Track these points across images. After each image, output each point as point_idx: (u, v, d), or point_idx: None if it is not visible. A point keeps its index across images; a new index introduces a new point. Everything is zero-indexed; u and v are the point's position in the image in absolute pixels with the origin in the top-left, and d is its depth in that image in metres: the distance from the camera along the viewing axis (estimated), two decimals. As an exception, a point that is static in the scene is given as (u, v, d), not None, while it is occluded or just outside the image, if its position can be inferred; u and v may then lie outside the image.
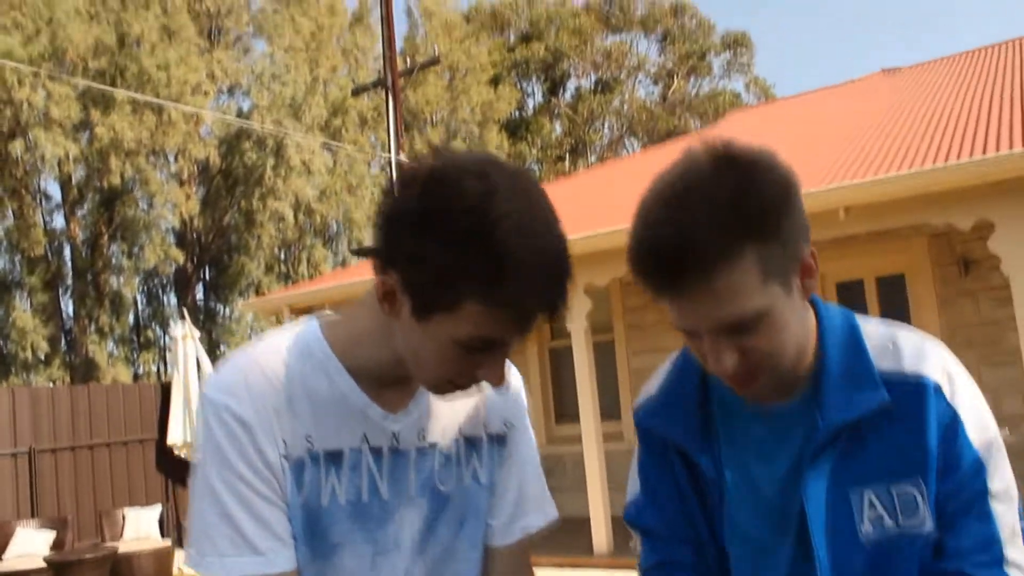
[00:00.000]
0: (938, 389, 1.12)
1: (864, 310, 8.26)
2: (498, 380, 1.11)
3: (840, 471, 1.14)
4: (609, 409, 8.98)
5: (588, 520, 7.53)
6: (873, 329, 1.21)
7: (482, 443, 1.28)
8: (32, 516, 8.86)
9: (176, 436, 9.62)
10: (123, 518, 9.10)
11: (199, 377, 9.63)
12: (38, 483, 9.09)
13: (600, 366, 8.27)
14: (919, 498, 1.12)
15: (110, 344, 24.47)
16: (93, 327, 22.92)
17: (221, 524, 1.11)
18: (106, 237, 23.06)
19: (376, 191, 24.60)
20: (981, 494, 1.11)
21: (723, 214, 1.03)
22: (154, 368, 26.19)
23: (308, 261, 25.77)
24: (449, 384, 1.13)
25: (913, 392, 1.13)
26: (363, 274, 9.55)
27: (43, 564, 7.88)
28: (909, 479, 1.12)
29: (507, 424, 1.32)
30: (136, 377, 24.36)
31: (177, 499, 10.16)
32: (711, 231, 1.03)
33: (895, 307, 8.15)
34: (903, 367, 1.14)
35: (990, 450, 1.12)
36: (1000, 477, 1.12)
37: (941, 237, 7.53)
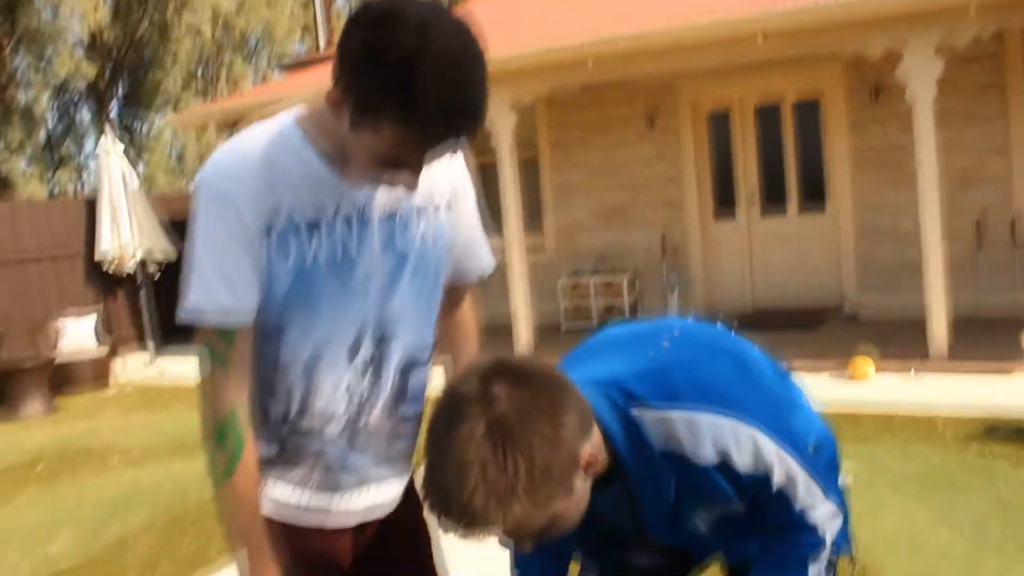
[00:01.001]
0: (717, 466, 1.35)
1: (780, 134, 8.66)
2: (412, 187, 1.38)
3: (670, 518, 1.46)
4: (532, 222, 9.38)
5: (510, 324, 8.06)
6: (651, 422, 1.36)
7: (433, 210, 1.58)
8: (-36, 329, 8.96)
9: (105, 250, 9.67)
10: (58, 328, 9.28)
11: (125, 192, 9.60)
12: (-33, 298, 9.13)
13: (524, 181, 8.59)
14: (731, 506, 1.43)
15: (22, 162, 23.70)
16: (2, 143, 22.10)
17: (199, 284, 1.41)
18: (9, 50, 21.86)
19: (295, 5, 23.61)
20: (774, 496, 1.40)
21: (494, 478, 1.17)
22: (70, 187, 25.53)
23: (227, 77, 24.95)
24: (376, 181, 1.40)
25: (698, 471, 1.36)
26: (287, 89, 9.49)
27: (-19, 372, 8.09)
28: (719, 504, 1.43)
29: (454, 191, 1.62)
30: (51, 195, 23.77)
31: (109, 310, 10.33)
32: (482, 495, 1.16)
33: (809, 131, 8.55)
34: (685, 452, 1.35)
35: (766, 465, 1.36)
36: (777, 475, 1.38)
37: (855, 65, 7.83)
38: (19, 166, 23.10)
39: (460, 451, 1.18)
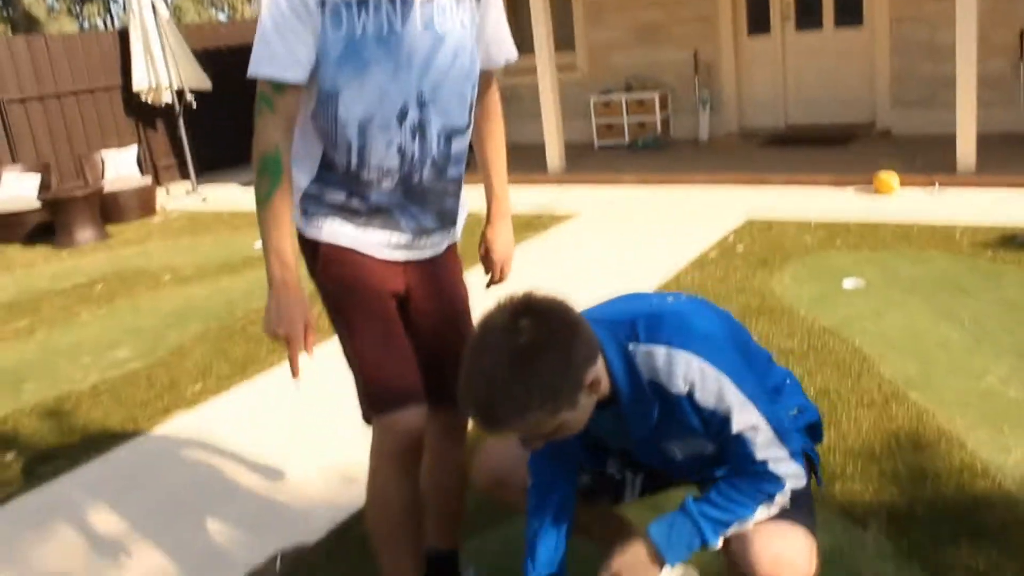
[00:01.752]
0: (686, 396, 1.61)
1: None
2: None
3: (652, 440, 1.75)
4: (563, 42, 9.29)
5: (543, 144, 8.17)
6: (642, 355, 1.63)
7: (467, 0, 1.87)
8: (13, 163, 9.25)
9: (140, 82, 9.79)
10: (102, 161, 9.56)
11: (155, 23, 9.60)
12: (13, 132, 9.37)
13: (555, 1, 8.48)
14: (700, 440, 1.71)
15: (49, -3, 23.42)
16: (28, -23, 21.81)
17: (261, 45, 1.73)
18: None
19: None
20: (733, 438, 1.64)
21: (515, 392, 1.47)
22: (99, 22, 25.27)
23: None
24: None
25: (674, 399, 1.63)
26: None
27: (37, 204, 8.44)
28: (690, 435, 1.70)
29: None
30: (81, 30, 23.61)
31: (150, 141, 10.56)
32: (504, 404, 1.48)
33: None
34: (662, 381, 1.62)
35: (727, 407, 1.61)
36: (738, 420, 1.62)
37: None
38: (44, 3, 22.85)
39: (489, 371, 1.49)
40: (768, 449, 1.65)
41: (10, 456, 3.63)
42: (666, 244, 5.66)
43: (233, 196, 9.39)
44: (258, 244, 7.08)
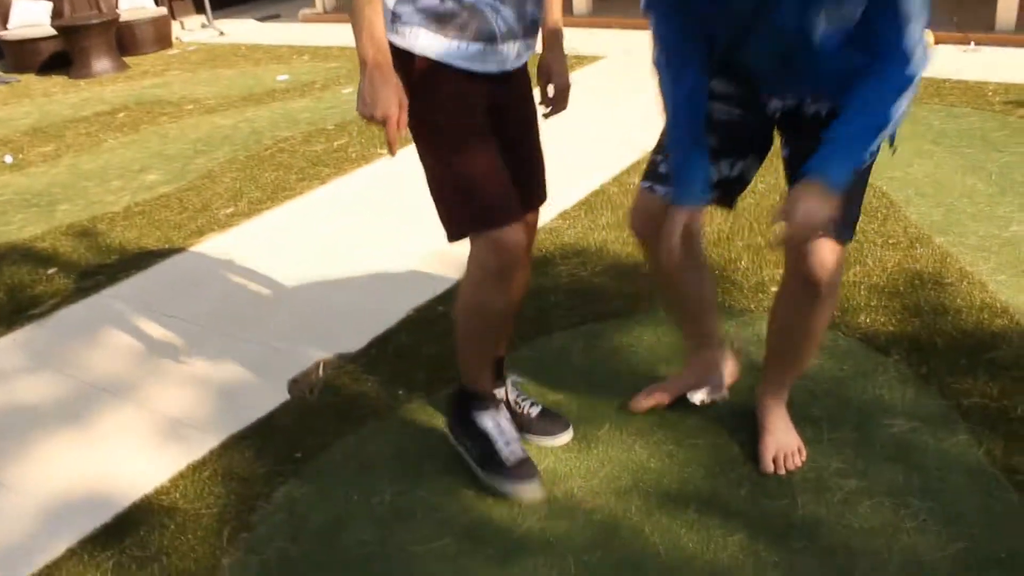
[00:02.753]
0: None
1: None
2: None
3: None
4: None
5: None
6: None
7: None
8: None
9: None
10: (116, -11, 9.33)
11: None
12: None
13: None
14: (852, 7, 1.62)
15: None
16: None
17: None
18: None
19: None
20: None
21: None
22: None
23: None
24: None
25: None
26: None
27: (52, 31, 8.30)
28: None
29: None
30: None
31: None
32: None
33: None
34: None
35: None
36: None
37: None
38: None
39: None
40: (914, 35, 1.63)
41: (52, 271, 3.74)
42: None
43: (250, 30, 9.22)
44: (282, 76, 7.03)
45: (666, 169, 2.03)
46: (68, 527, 2.21)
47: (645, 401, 2.43)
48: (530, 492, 2.15)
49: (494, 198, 1.93)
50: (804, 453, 2.23)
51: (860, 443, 2.27)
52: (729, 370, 2.46)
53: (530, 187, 2.14)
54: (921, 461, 2.18)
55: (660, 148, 2.08)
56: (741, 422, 2.36)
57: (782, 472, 2.18)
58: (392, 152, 1.82)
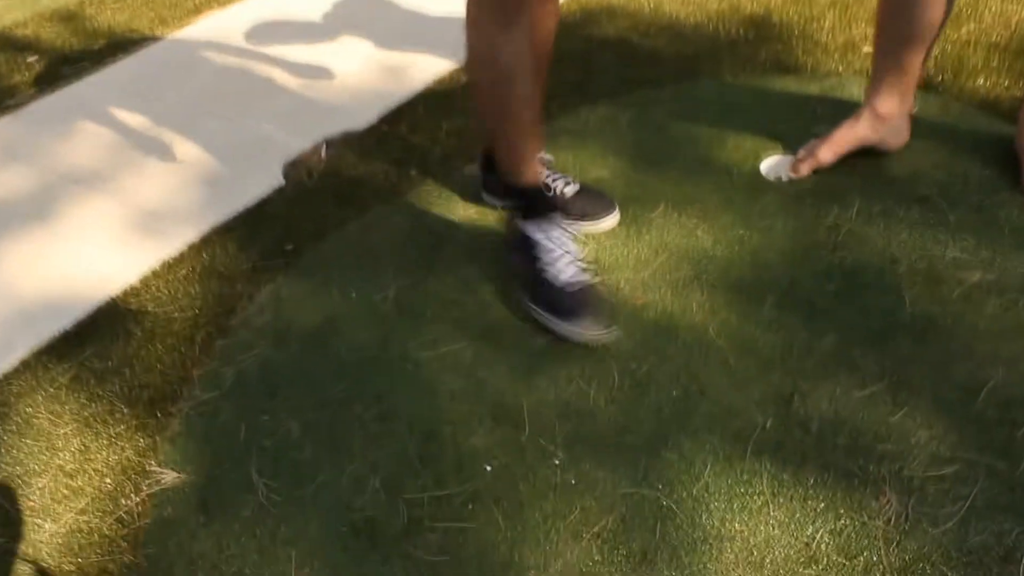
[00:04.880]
0: None
1: None
2: None
3: None
4: None
5: None
6: None
7: None
8: None
9: None
10: None
11: None
12: None
13: None
14: None
15: None
16: None
17: None
18: None
19: None
20: None
21: None
22: None
23: None
24: None
25: None
26: None
27: None
28: None
29: None
30: None
31: None
32: None
33: None
34: None
35: None
36: None
37: None
38: None
39: None
40: None
41: (32, 59, 3.31)
42: None
43: None
44: None
45: None
46: (23, 335, 1.87)
47: (804, 164, 1.98)
48: (589, 333, 1.64)
49: None
50: None
51: (983, 227, 1.80)
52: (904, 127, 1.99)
53: None
54: (1065, 246, 1.72)
55: None
56: (828, 199, 1.90)
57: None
58: None
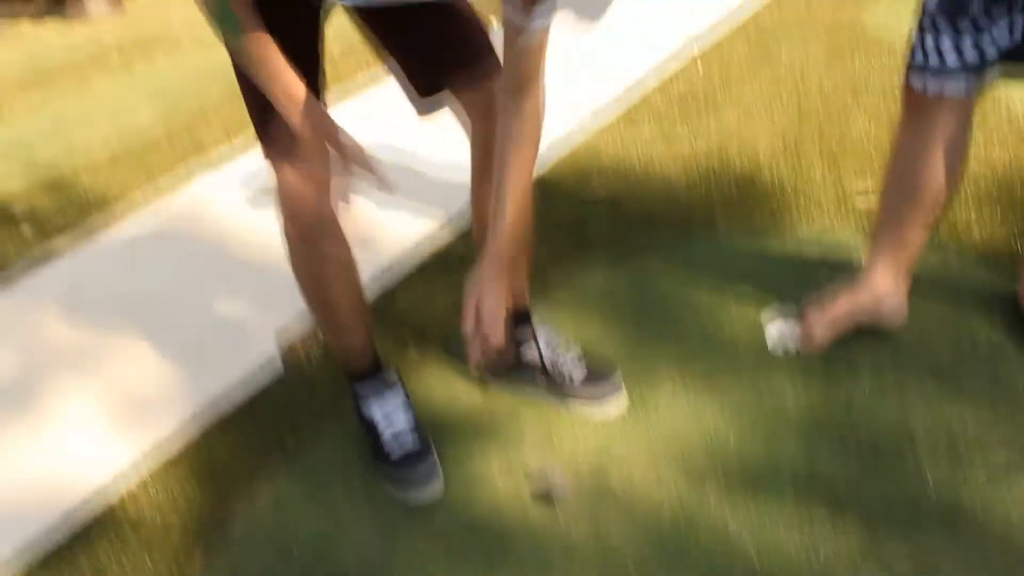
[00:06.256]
0: None
1: None
2: None
3: None
4: None
5: None
6: None
7: None
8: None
9: None
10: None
11: None
12: None
13: None
14: None
15: None
16: None
17: None
18: None
19: None
20: None
21: None
22: None
23: None
24: None
25: None
26: None
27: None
28: None
29: None
30: None
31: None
32: None
33: None
34: None
35: None
36: None
37: None
38: None
39: None
40: None
41: (26, 229, 3.32)
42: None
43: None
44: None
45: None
46: (9, 538, 1.79)
47: (808, 345, 1.95)
48: (419, 494, 1.74)
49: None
50: None
51: (1000, 400, 1.76)
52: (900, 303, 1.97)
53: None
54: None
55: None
56: (838, 372, 1.87)
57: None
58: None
